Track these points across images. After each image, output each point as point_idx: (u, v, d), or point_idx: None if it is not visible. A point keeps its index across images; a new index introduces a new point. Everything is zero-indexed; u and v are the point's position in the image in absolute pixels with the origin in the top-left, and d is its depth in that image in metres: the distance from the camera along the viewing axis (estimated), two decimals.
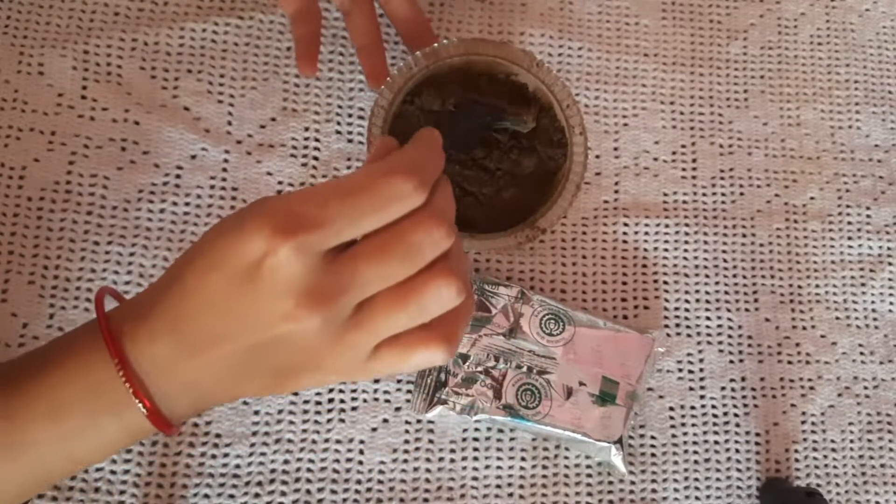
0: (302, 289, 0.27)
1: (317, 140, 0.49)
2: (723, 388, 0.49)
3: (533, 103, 0.45)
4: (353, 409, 0.46)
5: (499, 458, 0.46)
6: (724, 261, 0.51)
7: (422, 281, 0.29)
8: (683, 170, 0.52)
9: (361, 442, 0.45)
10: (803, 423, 0.49)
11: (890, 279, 0.52)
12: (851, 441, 0.49)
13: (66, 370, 0.30)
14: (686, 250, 0.50)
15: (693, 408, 0.48)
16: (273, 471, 0.44)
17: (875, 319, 0.51)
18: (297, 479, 0.44)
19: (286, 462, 0.44)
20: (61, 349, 0.30)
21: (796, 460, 0.48)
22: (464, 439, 0.46)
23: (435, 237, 0.28)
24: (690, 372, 0.49)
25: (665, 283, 0.50)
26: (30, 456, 0.30)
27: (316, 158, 0.49)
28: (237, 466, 0.44)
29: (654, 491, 0.46)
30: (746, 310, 0.50)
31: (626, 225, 0.50)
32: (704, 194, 0.52)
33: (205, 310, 0.28)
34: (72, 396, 0.29)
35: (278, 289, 0.27)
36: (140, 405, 0.29)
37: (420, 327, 0.29)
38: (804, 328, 0.50)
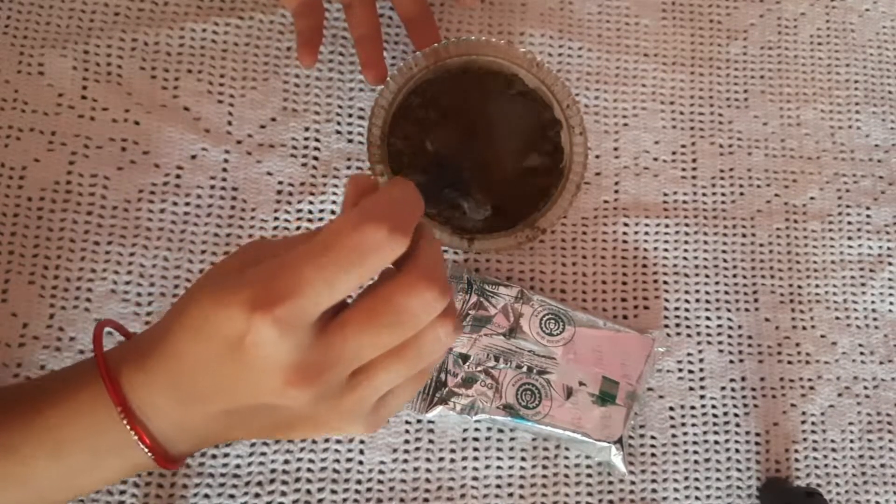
0: (289, 365, 0.26)
1: (317, 140, 0.49)
2: (723, 388, 0.49)
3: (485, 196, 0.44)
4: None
5: (499, 458, 0.46)
6: (724, 261, 0.51)
7: (418, 337, 0.27)
8: (683, 170, 0.52)
9: (361, 442, 0.45)
10: (803, 423, 0.49)
11: (890, 279, 0.52)
12: (851, 441, 0.49)
13: (69, 409, 0.29)
14: (686, 250, 0.50)
15: (693, 408, 0.48)
16: (273, 471, 0.44)
17: (875, 319, 0.51)
18: (297, 479, 0.44)
19: (286, 462, 0.44)
20: (64, 385, 0.30)
21: (796, 460, 0.48)
22: (464, 439, 0.46)
23: (427, 299, 0.26)
24: (690, 372, 0.49)
25: (665, 283, 0.50)
26: (31, 488, 0.30)
27: (316, 158, 0.49)
28: (237, 466, 0.44)
29: (654, 491, 0.46)
30: (746, 310, 0.50)
31: (626, 225, 0.50)
32: (704, 194, 0.52)
33: (198, 371, 0.27)
34: (75, 436, 0.29)
35: (264, 365, 0.26)
36: (144, 448, 0.29)
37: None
38: (804, 328, 0.50)
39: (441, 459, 0.45)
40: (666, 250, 0.50)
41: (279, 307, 0.25)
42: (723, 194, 0.52)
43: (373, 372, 0.27)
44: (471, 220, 0.44)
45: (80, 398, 0.29)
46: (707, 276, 0.50)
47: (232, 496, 0.43)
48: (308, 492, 0.44)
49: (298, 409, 0.27)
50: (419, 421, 0.46)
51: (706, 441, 0.48)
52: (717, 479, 0.47)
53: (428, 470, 0.45)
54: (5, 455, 0.29)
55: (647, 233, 0.50)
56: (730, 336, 0.49)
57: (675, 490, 0.47)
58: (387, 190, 0.28)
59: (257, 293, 0.25)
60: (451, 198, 0.43)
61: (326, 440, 0.45)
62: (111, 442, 0.29)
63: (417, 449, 0.45)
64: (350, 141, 0.50)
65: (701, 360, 0.49)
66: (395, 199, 0.27)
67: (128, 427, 0.28)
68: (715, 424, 0.48)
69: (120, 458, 0.29)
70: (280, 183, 0.48)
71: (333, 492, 0.44)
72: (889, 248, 0.52)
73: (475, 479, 0.45)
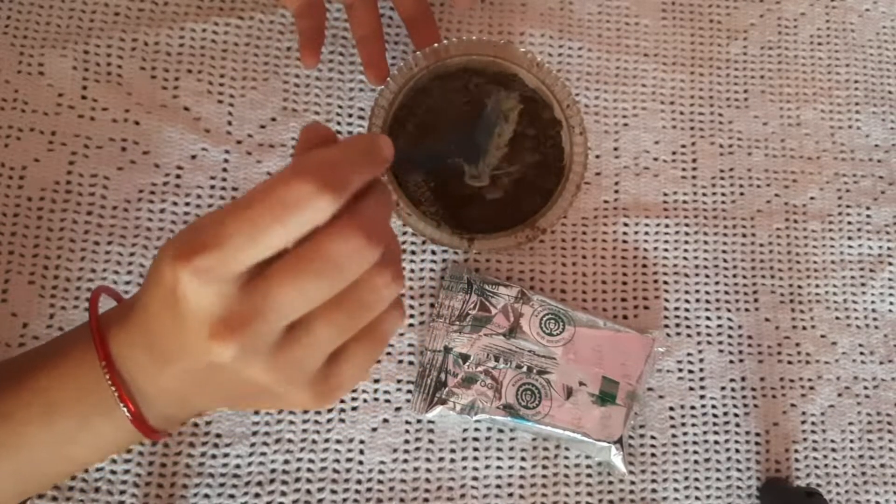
0: (213, 317, 0.25)
1: None
2: (723, 388, 0.49)
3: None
4: (354, 409, 0.46)
5: (499, 458, 0.46)
6: (724, 261, 0.51)
7: (354, 287, 0.26)
8: (683, 170, 0.52)
9: (361, 442, 0.45)
10: (803, 423, 0.49)
11: (890, 279, 0.52)
12: (851, 441, 0.49)
13: (59, 371, 0.30)
14: (686, 250, 0.50)
15: (693, 408, 0.48)
16: (273, 471, 0.44)
17: (875, 319, 0.51)
18: (297, 479, 0.44)
19: (286, 462, 0.44)
20: (56, 350, 0.31)
21: (796, 460, 0.48)
22: (464, 439, 0.46)
23: (354, 246, 0.25)
24: (690, 372, 0.49)
25: (665, 283, 0.50)
26: (25, 456, 0.30)
27: None
28: (237, 466, 0.44)
29: (654, 491, 0.46)
30: (746, 310, 0.50)
31: (626, 225, 0.50)
32: (704, 194, 0.52)
33: (156, 326, 0.27)
34: (64, 397, 0.29)
35: (192, 319, 0.25)
36: (124, 408, 0.29)
37: (365, 326, 0.28)
38: (804, 328, 0.50)
39: (441, 459, 0.45)
40: (666, 250, 0.50)
41: (197, 257, 0.24)
42: (723, 194, 0.52)
43: (309, 324, 0.26)
44: (468, 187, 0.43)
45: (70, 357, 0.30)
46: (707, 276, 0.50)
47: (232, 496, 0.43)
48: (308, 492, 0.44)
49: (233, 369, 0.26)
50: (419, 421, 0.46)
51: (706, 441, 0.48)
52: (717, 479, 0.47)
53: (428, 470, 0.45)
54: (0, 423, 0.29)
55: (647, 233, 0.50)
56: (730, 336, 0.49)
57: (675, 490, 0.47)
58: (339, 144, 0.27)
59: (182, 244, 0.25)
60: (455, 159, 0.42)
61: (326, 440, 0.45)
62: (97, 402, 0.29)
63: (417, 449, 0.45)
64: None
65: (701, 360, 0.49)
66: (340, 155, 0.26)
67: (109, 382, 0.28)
68: (715, 424, 0.48)
69: (105, 420, 0.29)
70: None
71: (333, 492, 0.44)
72: (889, 248, 0.52)
73: (475, 479, 0.45)
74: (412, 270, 0.48)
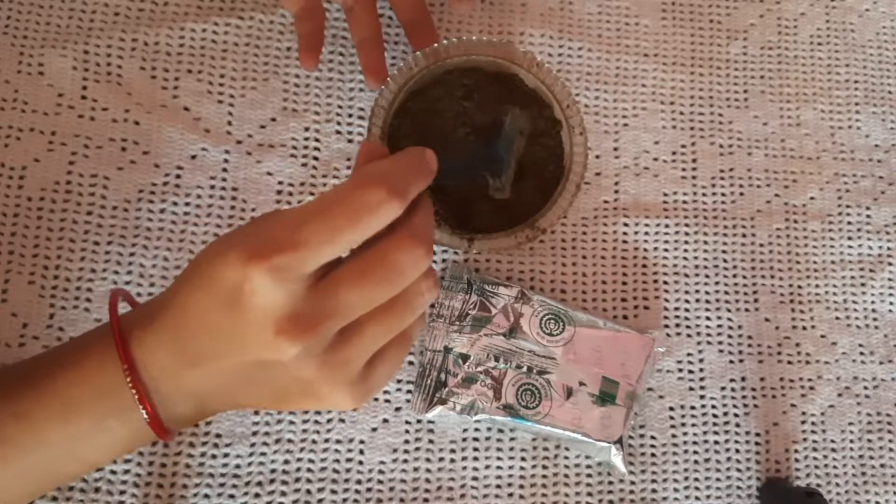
0: (282, 316, 0.27)
1: (317, 140, 0.49)
2: (723, 388, 0.49)
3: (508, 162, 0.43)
4: (353, 409, 0.46)
5: (499, 458, 0.46)
6: (724, 261, 0.51)
7: (405, 292, 0.29)
8: (683, 170, 0.52)
9: (361, 442, 0.45)
10: (803, 423, 0.49)
11: (890, 279, 0.52)
12: (851, 441, 0.49)
13: (79, 371, 0.30)
14: (686, 250, 0.50)
15: (693, 408, 0.48)
16: (273, 471, 0.44)
17: (875, 319, 0.51)
18: (297, 479, 0.44)
19: (286, 462, 0.44)
20: (75, 350, 0.31)
21: (796, 460, 0.48)
22: (464, 439, 0.46)
23: (415, 256, 0.28)
24: (690, 372, 0.49)
25: (665, 283, 0.50)
26: (39, 455, 0.30)
27: (316, 158, 0.49)
28: (237, 466, 0.44)
29: (654, 491, 0.46)
30: (746, 310, 0.50)
31: (626, 225, 0.50)
32: (704, 194, 0.52)
33: (199, 327, 0.28)
34: (83, 397, 0.30)
35: (258, 316, 0.27)
36: (143, 410, 0.29)
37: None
38: (804, 328, 0.50)
39: (441, 459, 0.45)
40: (666, 250, 0.50)
41: (276, 257, 0.26)
42: (723, 194, 0.52)
43: (361, 326, 0.28)
44: (468, 187, 0.44)
45: (90, 359, 0.30)
46: (707, 276, 0.50)
47: (232, 496, 0.43)
48: (308, 492, 0.44)
49: (287, 367, 0.28)
50: (419, 421, 0.46)
51: (706, 441, 0.48)
52: (717, 479, 0.47)
53: (428, 470, 0.45)
54: (17, 421, 0.30)
55: (647, 233, 0.50)
56: (730, 336, 0.49)
57: (675, 490, 0.47)
58: (396, 157, 0.30)
59: (256, 244, 0.26)
60: (483, 172, 0.43)
61: (326, 440, 0.45)
62: (114, 403, 0.29)
63: (417, 449, 0.45)
64: (350, 141, 0.50)
65: (701, 360, 0.49)
66: (399, 166, 0.29)
67: (129, 385, 0.29)
68: (715, 424, 0.48)
69: (123, 423, 0.30)
70: (280, 183, 0.48)
71: (333, 492, 0.44)
72: (889, 248, 0.52)
73: (475, 479, 0.45)
74: None
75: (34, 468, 0.31)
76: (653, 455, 0.47)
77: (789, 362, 0.50)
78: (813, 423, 0.49)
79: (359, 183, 0.27)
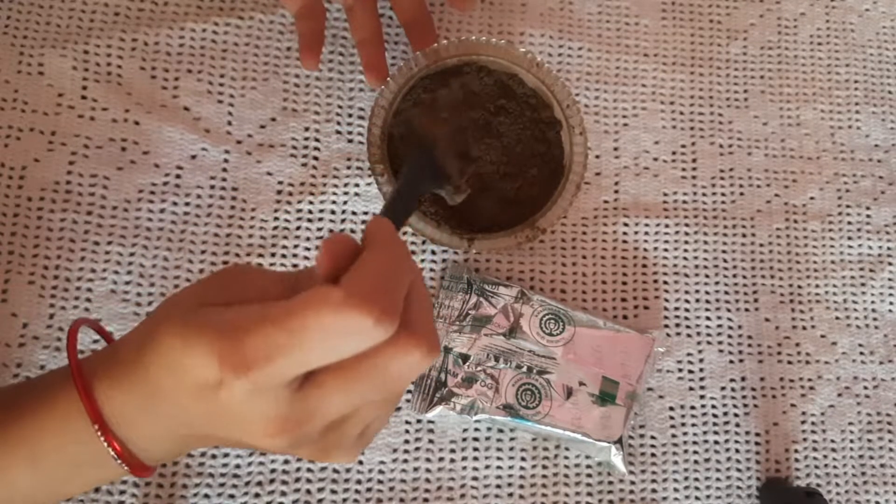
0: (266, 419, 0.25)
1: (317, 140, 0.49)
2: (723, 388, 0.49)
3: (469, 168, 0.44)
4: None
5: (499, 458, 0.46)
6: (724, 261, 0.51)
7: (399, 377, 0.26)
8: (683, 170, 0.52)
9: None
10: (803, 423, 0.49)
11: (890, 279, 0.52)
12: (851, 441, 0.49)
13: (44, 422, 0.29)
14: (686, 250, 0.50)
15: (693, 408, 0.48)
16: (273, 471, 0.44)
17: (875, 319, 0.51)
18: (297, 479, 0.44)
19: (286, 462, 0.44)
20: (40, 396, 0.29)
21: (796, 460, 0.48)
22: (464, 439, 0.46)
23: (415, 359, 0.25)
24: (690, 372, 0.49)
25: (665, 283, 0.50)
26: (15, 491, 0.30)
27: (316, 158, 0.49)
28: (237, 466, 0.44)
29: (654, 491, 0.46)
30: (746, 310, 0.50)
31: (626, 225, 0.50)
32: (704, 194, 0.52)
33: (171, 401, 0.27)
34: (51, 446, 0.29)
35: (241, 416, 0.25)
36: (119, 461, 0.28)
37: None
38: (804, 328, 0.50)
39: (441, 459, 0.45)
40: (666, 250, 0.50)
41: (251, 372, 0.24)
42: (723, 194, 0.52)
43: (356, 412, 0.27)
44: (453, 201, 0.44)
45: (56, 409, 0.29)
46: (707, 276, 0.50)
47: (232, 496, 0.43)
48: (308, 492, 0.44)
49: (278, 449, 0.27)
50: (419, 421, 0.46)
51: (706, 441, 0.48)
52: (717, 479, 0.47)
53: (428, 470, 0.45)
54: None
55: (647, 233, 0.50)
56: (730, 336, 0.49)
57: (675, 490, 0.47)
58: (372, 261, 0.26)
59: (227, 350, 0.24)
60: (429, 191, 0.43)
61: None
62: (88, 453, 0.29)
63: (417, 449, 0.45)
64: (350, 141, 0.50)
65: (701, 360, 0.49)
66: (385, 273, 0.25)
67: (103, 440, 0.28)
68: (715, 424, 0.48)
69: (96, 468, 0.29)
70: (280, 183, 0.48)
71: (333, 492, 0.44)
72: (889, 248, 0.52)
73: (475, 479, 0.45)
74: None
75: (11, 500, 0.30)
76: (653, 455, 0.47)
77: (789, 362, 0.50)
78: (813, 423, 0.49)
79: (341, 303, 0.23)
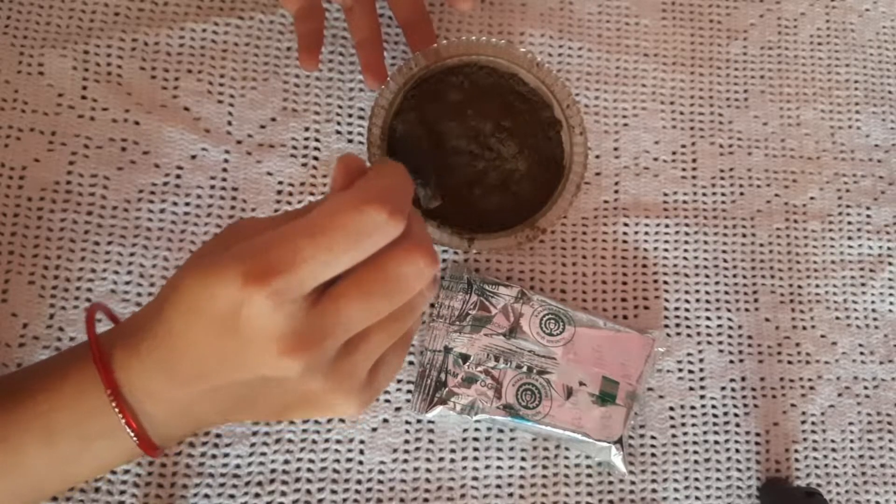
0: (283, 336, 0.26)
1: (317, 140, 0.49)
2: (723, 388, 0.49)
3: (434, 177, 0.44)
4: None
5: (499, 458, 0.46)
6: (724, 261, 0.51)
7: (408, 301, 0.28)
8: (683, 170, 0.52)
9: (361, 442, 0.45)
10: (803, 423, 0.49)
11: (890, 279, 0.52)
12: (851, 441, 0.49)
13: (58, 396, 0.29)
14: (686, 250, 0.50)
15: (693, 408, 0.48)
16: (273, 471, 0.44)
17: (875, 319, 0.51)
18: (297, 479, 0.44)
19: (286, 462, 0.44)
20: (53, 372, 0.30)
21: (796, 460, 0.48)
22: (464, 439, 0.46)
23: (420, 266, 0.27)
24: (690, 372, 0.49)
25: (665, 283, 0.50)
26: (25, 476, 0.30)
27: (316, 158, 0.49)
28: (237, 466, 0.44)
29: (654, 491, 0.46)
30: (746, 310, 0.50)
31: (626, 225, 0.50)
32: (704, 194, 0.52)
33: (190, 349, 0.27)
34: (65, 422, 0.29)
35: (258, 337, 0.26)
36: (130, 432, 0.29)
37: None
38: (804, 328, 0.50)
39: (441, 459, 0.45)
40: (666, 250, 0.50)
41: (275, 280, 0.25)
42: (723, 194, 0.52)
43: (366, 336, 0.28)
44: (469, 186, 0.44)
45: (71, 383, 0.29)
46: (707, 276, 0.50)
47: (232, 496, 0.43)
48: (308, 492, 0.44)
49: (292, 382, 0.27)
50: (419, 421, 0.46)
51: (706, 441, 0.48)
52: (717, 479, 0.47)
53: (428, 470, 0.45)
54: None
55: (647, 233, 0.50)
56: (730, 336, 0.49)
57: (675, 490, 0.47)
58: (380, 172, 0.28)
59: (251, 266, 0.25)
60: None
61: (326, 440, 0.45)
62: (101, 426, 0.29)
63: (417, 449, 0.45)
64: (350, 141, 0.50)
65: (701, 360, 0.49)
66: (391, 182, 0.28)
67: (116, 410, 0.28)
68: (715, 424, 0.48)
69: (109, 443, 0.29)
70: (280, 183, 0.48)
71: (333, 492, 0.44)
72: (889, 248, 0.52)
73: (475, 479, 0.45)
74: None
75: (20, 487, 0.30)
76: (653, 455, 0.47)
77: (789, 362, 0.50)
78: (813, 423, 0.49)
79: (358, 202, 0.26)
